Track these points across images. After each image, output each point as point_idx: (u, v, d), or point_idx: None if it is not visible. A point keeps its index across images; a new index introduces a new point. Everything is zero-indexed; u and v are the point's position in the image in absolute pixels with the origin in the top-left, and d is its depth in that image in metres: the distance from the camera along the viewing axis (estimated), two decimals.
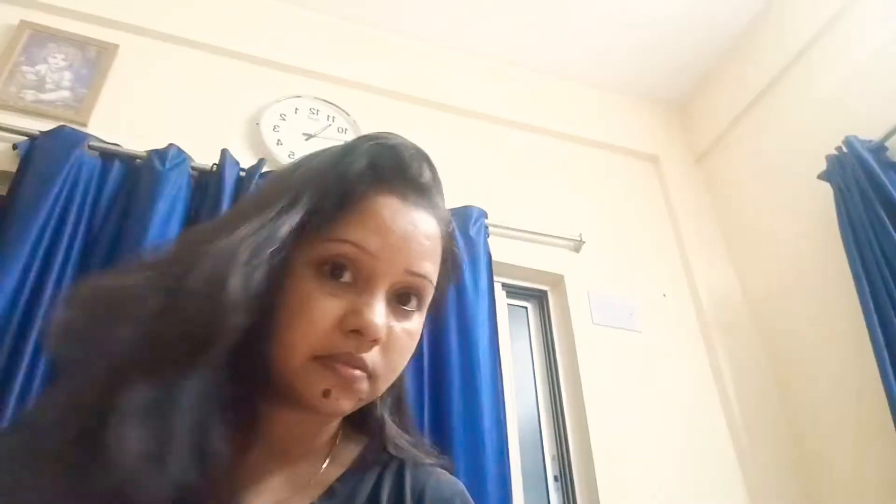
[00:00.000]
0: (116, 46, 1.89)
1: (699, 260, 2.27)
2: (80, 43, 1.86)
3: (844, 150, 1.82)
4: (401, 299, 0.50)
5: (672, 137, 2.62)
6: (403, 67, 2.30)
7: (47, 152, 1.51)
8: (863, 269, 1.66)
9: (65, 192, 1.47)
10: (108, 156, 1.61)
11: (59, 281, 1.37)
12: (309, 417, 0.51)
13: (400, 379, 0.56)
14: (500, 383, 1.64)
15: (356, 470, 0.55)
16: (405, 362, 0.51)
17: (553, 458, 1.80)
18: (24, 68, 1.75)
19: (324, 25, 2.28)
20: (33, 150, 1.52)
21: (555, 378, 1.91)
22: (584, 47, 2.46)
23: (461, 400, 1.54)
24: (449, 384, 1.54)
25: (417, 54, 2.37)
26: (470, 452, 1.48)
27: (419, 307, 0.51)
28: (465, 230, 1.84)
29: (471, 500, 0.56)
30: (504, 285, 2.03)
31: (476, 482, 1.44)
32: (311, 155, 0.55)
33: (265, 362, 0.47)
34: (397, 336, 0.49)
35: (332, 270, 0.47)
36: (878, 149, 1.78)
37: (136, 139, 1.68)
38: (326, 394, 0.46)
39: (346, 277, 0.47)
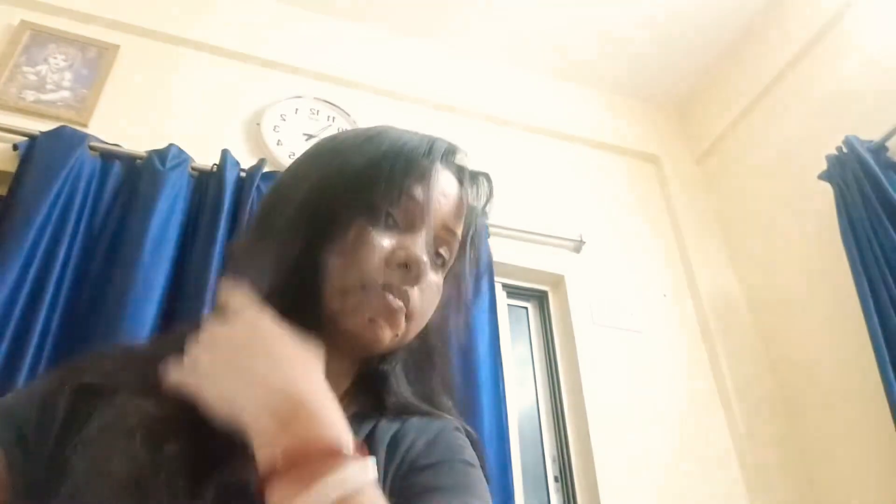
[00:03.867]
0: (117, 47, 1.89)
1: (699, 260, 2.27)
2: (81, 43, 1.86)
3: (844, 150, 1.82)
4: (433, 253, 0.55)
5: (672, 138, 2.62)
6: (403, 67, 2.30)
7: (48, 152, 1.51)
8: (863, 269, 1.66)
9: (65, 193, 1.47)
10: (109, 156, 1.61)
11: (59, 281, 1.37)
12: (335, 360, 0.52)
13: (431, 342, 0.61)
14: (501, 384, 1.64)
15: (356, 417, 0.56)
16: (431, 312, 0.56)
17: (553, 459, 1.80)
18: (25, 69, 1.75)
19: (324, 25, 2.28)
20: (34, 150, 1.52)
21: (555, 379, 1.91)
22: (584, 47, 2.46)
23: (461, 400, 1.54)
24: None
25: (417, 54, 2.37)
26: None
27: (444, 265, 0.58)
28: None
29: (460, 438, 0.55)
30: (504, 286, 2.03)
31: None
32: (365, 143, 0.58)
33: (314, 301, 0.50)
34: (430, 284, 0.55)
35: (385, 217, 0.52)
36: (879, 149, 1.78)
37: (136, 139, 1.68)
38: (373, 320, 0.50)
39: (395, 222, 0.53)
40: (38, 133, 1.56)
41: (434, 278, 0.55)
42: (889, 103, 1.83)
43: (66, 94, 1.76)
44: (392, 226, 0.53)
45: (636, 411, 1.87)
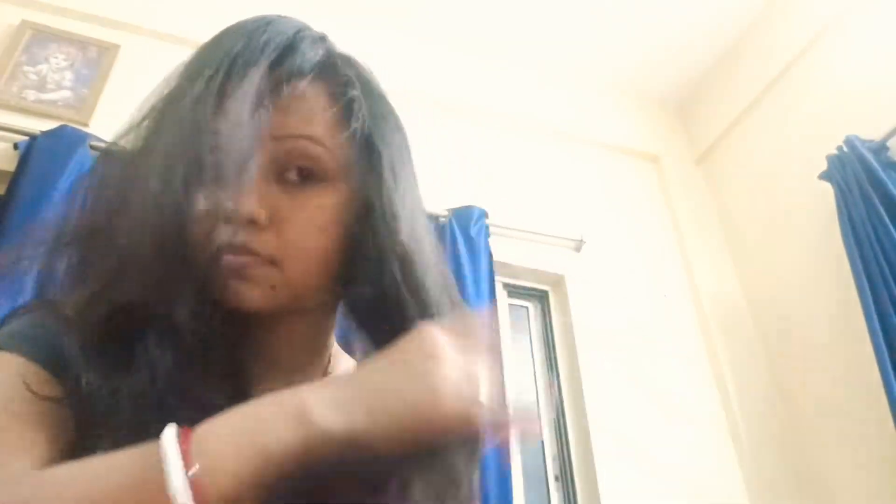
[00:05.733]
0: (117, 46, 1.89)
1: (700, 260, 2.27)
2: (82, 43, 1.86)
3: (845, 150, 1.82)
4: (299, 172, 0.47)
5: (673, 137, 2.62)
6: (403, 67, 2.30)
7: (48, 152, 1.52)
8: (863, 269, 1.66)
9: (65, 192, 1.47)
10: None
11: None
12: (285, 322, 0.50)
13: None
14: None
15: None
16: (317, 239, 0.47)
17: (554, 458, 1.80)
18: (26, 68, 1.75)
19: (323, 25, 2.27)
20: (34, 149, 1.52)
21: (555, 378, 1.91)
22: (585, 47, 2.46)
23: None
24: None
25: (416, 53, 2.37)
26: None
27: (323, 177, 0.48)
28: (465, 230, 1.84)
29: None
30: (505, 285, 2.03)
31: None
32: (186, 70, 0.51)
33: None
34: (289, 212, 0.46)
35: (202, 170, 0.45)
36: (879, 149, 1.78)
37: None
38: (226, 287, 0.45)
39: (215, 171, 0.45)
40: (38, 132, 1.56)
41: (301, 202, 0.47)
42: (889, 103, 1.83)
43: (66, 93, 1.76)
44: (219, 178, 0.45)
45: (636, 411, 1.87)
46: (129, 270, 0.43)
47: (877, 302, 1.62)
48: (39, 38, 1.82)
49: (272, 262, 0.45)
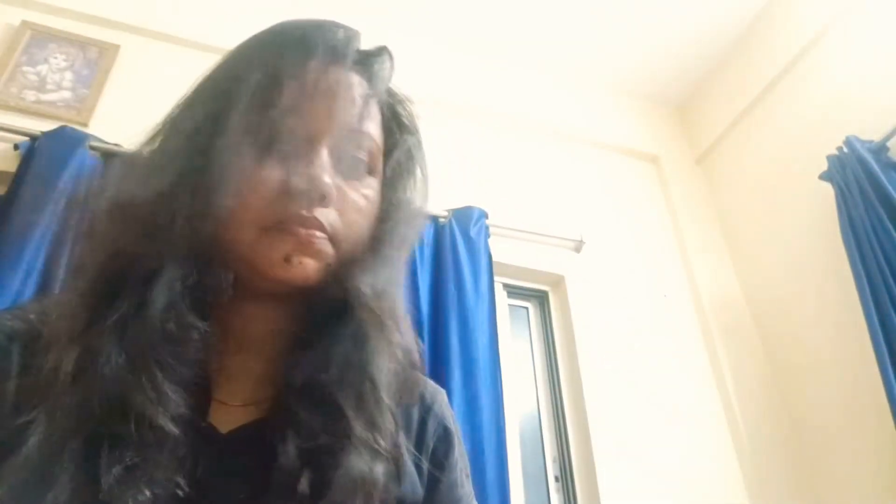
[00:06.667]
0: (117, 47, 1.89)
1: (700, 260, 2.27)
2: (81, 43, 1.86)
3: (845, 150, 1.82)
4: (349, 163, 0.50)
5: (673, 137, 2.62)
6: (404, 67, 2.30)
7: (48, 152, 1.52)
8: (863, 270, 1.66)
9: (66, 192, 1.47)
10: (110, 156, 1.61)
11: (62, 282, 1.37)
12: (276, 309, 0.49)
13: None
14: (500, 384, 1.64)
15: None
16: (365, 226, 0.50)
17: (554, 459, 1.80)
18: (26, 69, 1.75)
19: None
20: (34, 150, 1.52)
21: (556, 378, 1.91)
22: (585, 47, 2.46)
23: (460, 401, 1.54)
24: (448, 385, 1.54)
25: (416, 53, 2.37)
26: (468, 453, 1.47)
27: (371, 171, 0.51)
28: (465, 230, 1.84)
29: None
30: (505, 285, 2.03)
31: (475, 484, 1.44)
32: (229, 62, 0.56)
33: (222, 252, 0.45)
34: (350, 197, 0.48)
35: (270, 143, 0.46)
36: (879, 149, 1.78)
37: (136, 139, 1.68)
38: (288, 259, 0.45)
39: (287, 146, 0.47)
40: (38, 133, 1.56)
41: (356, 190, 0.49)
42: (889, 103, 1.84)
43: (66, 93, 1.76)
44: (284, 152, 0.46)
45: (636, 411, 1.87)
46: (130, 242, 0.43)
47: (877, 302, 1.62)
48: (39, 38, 1.82)
49: (333, 240, 0.47)
